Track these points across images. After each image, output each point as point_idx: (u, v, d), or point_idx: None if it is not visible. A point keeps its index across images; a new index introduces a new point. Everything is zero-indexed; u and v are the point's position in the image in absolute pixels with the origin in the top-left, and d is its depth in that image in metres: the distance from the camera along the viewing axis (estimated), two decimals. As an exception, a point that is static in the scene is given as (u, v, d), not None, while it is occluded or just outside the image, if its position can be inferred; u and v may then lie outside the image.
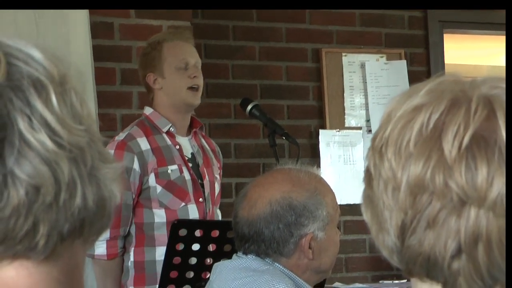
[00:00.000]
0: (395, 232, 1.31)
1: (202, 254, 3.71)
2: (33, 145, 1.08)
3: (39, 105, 1.09)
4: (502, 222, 1.26)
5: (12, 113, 1.08)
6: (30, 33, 4.73)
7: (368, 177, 1.35)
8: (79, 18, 5.02)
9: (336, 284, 5.33)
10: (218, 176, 4.35)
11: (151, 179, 4.09)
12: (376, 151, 1.33)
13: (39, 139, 1.08)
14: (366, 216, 1.36)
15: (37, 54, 1.13)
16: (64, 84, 1.13)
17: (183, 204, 4.11)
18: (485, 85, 1.31)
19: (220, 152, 4.47)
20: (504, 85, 1.31)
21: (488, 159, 1.26)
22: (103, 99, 5.07)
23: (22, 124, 1.08)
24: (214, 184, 4.29)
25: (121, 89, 5.20)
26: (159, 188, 4.09)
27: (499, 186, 1.25)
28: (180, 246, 3.67)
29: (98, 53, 5.09)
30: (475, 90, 1.31)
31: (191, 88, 4.22)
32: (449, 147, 1.26)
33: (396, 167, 1.29)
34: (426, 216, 1.28)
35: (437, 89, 1.33)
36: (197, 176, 4.20)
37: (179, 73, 4.21)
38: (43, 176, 1.08)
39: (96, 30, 5.12)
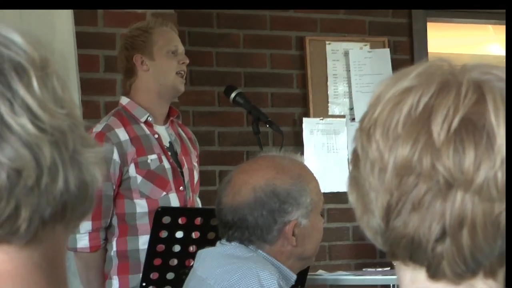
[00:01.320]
0: (380, 214, 1.31)
1: (185, 241, 3.71)
2: (14, 129, 1.07)
3: (20, 89, 1.09)
4: (488, 206, 1.26)
5: None
6: (13, 19, 4.72)
7: (355, 158, 1.35)
8: (63, 5, 5.02)
9: (320, 271, 5.35)
10: (196, 164, 4.36)
11: (131, 169, 4.08)
12: (364, 132, 1.33)
13: (20, 123, 1.08)
14: (351, 197, 1.36)
15: (18, 38, 1.13)
16: (45, 68, 1.13)
17: (164, 193, 4.11)
18: (476, 70, 1.31)
19: (196, 140, 4.47)
20: (495, 72, 1.31)
21: (476, 143, 1.25)
22: (86, 86, 5.07)
23: (3, 108, 1.08)
24: (193, 171, 4.29)
25: (104, 76, 5.20)
26: (139, 178, 4.08)
27: (485, 170, 1.25)
28: (164, 234, 3.68)
29: (82, 40, 5.09)
30: (465, 74, 1.31)
31: (179, 74, 4.22)
32: (438, 129, 1.26)
33: (384, 148, 1.29)
34: (411, 198, 1.28)
35: (427, 72, 1.32)
36: (177, 164, 4.19)
37: (169, 56, 4.22)
38: (25, 159, 1.07)
39: (80, 17, 5.11)
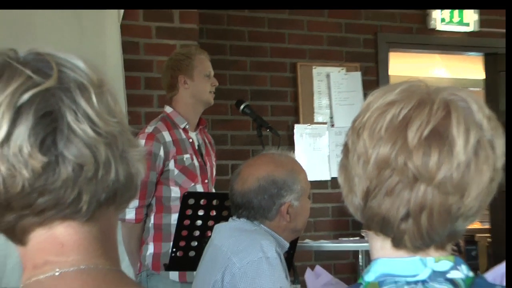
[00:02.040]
0: (361, 195, 1.31)
1: (205, 217, 3.70)
2: (78, 133, 1.08)
3: (82, 102, 1.09)
4: (444, 198, 1.26)
5: (62, 108, 1.08)
6: (75, 50, 4.71)
7: (346, 150, 1.35)
8: (114, 38, 5.01)
9: (307, 240, 5.33)
10: (214, 163, 4.35)
11: (171, 164, 4.08)
12: (355, 131, 1.33)
13: (83, 128, 1.08)
14: (340, 179, 1.36)
15: (81, 64, 1.13)
16: (101, 87, 1.13)
17: (193, 184, 4.11)
18: (446, 92, 1.31)
19: (214, 145, 4.45)
20: (460, 94, 1.31)
21: (440, 149, 1.25)
22: (131, 100, 5.06)
23: (69, 117, 1.08)
24: (212, 169, 4.29)
25: (144, 93, 5.19)
26: (176, 171, 4.08)
27: (445, 170, 1.25)
28: (189, 212, 3.67)
29: (127, 65, 5.08)
30: (438, 94, 1.30)
31: (211, 92, 4.24)
32: (412, 136, 1.26)
33: (369, 146, 1.29)
34: (386, 186, 1.28)
35: (409, 90, 1.32)
36: (203, 163, 4.20)
37: (205, 79, 4.22)
38: (86, 156, 1.08)
39: (126, 48, 5.11)
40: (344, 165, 1.34)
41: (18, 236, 1.12)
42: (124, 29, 5.09)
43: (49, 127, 1.06)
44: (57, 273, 1.11)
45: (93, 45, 4.87)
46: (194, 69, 4.21)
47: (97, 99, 1.11)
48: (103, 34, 4.95)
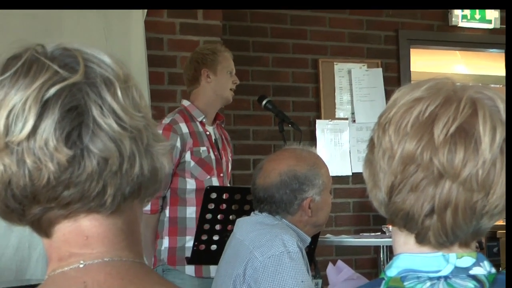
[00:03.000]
0: (385, 190, 1.30)
1: (227, 212, 3.70)
2: (103, 127, 1.08)
3: (108, 97, 1.09)
4: (469, 195, 1.26)
5: (88, 103, 1.08)
6: (100, 46, 4.73)
7: (371, 145, 1.34)
8: (138, 34, 5.03)
9: (328, 235, 5.32)
10: (230, 158, 4.34)
11: (187, 156, 4.07)
12: (381, 127, 1.32)
13: (108, 122, 1.08)
14: (365, 174, 1.36)
15: (107, 59, 1.13)
16: (127, 82, 1.13)
17: (208, 177, 4.10)
18: (472, 90, 1.31)
19: (230, 141, 4.44)
20: (486, 92, 1.31)
21: (465, 146, 1.25)
22: (154, 95, 5.07)
23: (95, 112, 1.08)
24: (228, 163, 4.28)
25: (168, 88, 5.20)
26: (192, 163, 4.07)
27: (470, 167, 1.24)
28: (211, 206, 3.66)
29: (151, 61, 5.10)
30: (464, 92, 1.30)
31: (231, 89, 4.23)
32: (438, 132, 1.25)
33: (394, 141, 1.28)
34: (411, 182, 1.27)
35: (435, 87, 1.32)
36: (219, 157, 4.19)
37: (227, 76, 4.22)
38: (111, 150, 1.08)
39: (150, 43, 5.12)
40: (369, 160, 1.34)
41: (44, 229, 1.13)
42: (149, 25, 5.10)
43: (74, 121, 1.07)
44: (81, 265, 1.11)
45: (118, 41, 4.89)
46: (218, 65, 4.21)
47: (123, 93, 1.11)
48: (127, 31, 4.96)
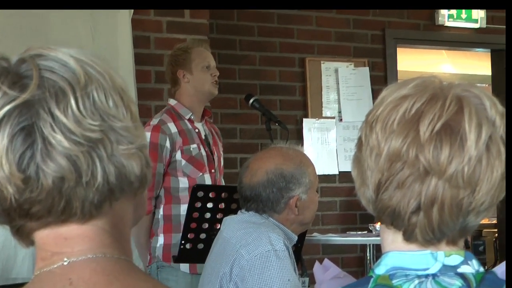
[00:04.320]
0: (373, 188, 1.30)
1: (214, 210, 3.69)
2: (54, 145, 1.07)
3: (58, 112, 1.07)
4: (455, 192, 1.26)
5: (37, 122, 1.06)
6: (87, 45, 4.73)
7: (360, 144, 1.34)
8: (125, 33, 5.02)
9: (314, 234, 5.32)
10: (222, 153, 4.34)
11: (178, 155, 4.07)
12: (368, 125, 1.32)
13: (59, 140, 1.07)
14: (353, 172, 1.36)
15: (71, 62, 1.11)
16: (88, 86, 1.10)
17: (200, 174, 4.10)
18: (459, 88, 1.31)
19: (221, 135, 4.44)
20: (473, 90, 1.31)
21: (451, 143, 1.25)
22: (141, 94, 5.06)
23: (45, 130, 1.07)
24: (220, 158, 4.28)
25: (155, 86, 5.19)
26: (183, 162, 4.07)
27: (456, 164, 1.24)
28: (198, 204, 3.66)
29: (138, 59, 5.09)
30: (451, 90, 1.30)
31: (213, 83, 4.21)
32: (424, 129, 1.25)
33: (381, 139, 1.28)
34: (397, 179, 1.27)
35: (422, 84, 1.31)
36: (210, 153, 4.18)
37: (204, 71, 4.20)
38: (64, 168, 1.07)
39: (137, 42, 5.11)
40: (358, 158, 1.34)
41: (24, 238, 1.14)
42: (135, 23, 5.09)
43: (26, 142, 1.06)
44: (65, 263, 1.11)
45: (105, 39, 4.88)
46: (192, 63, 4.20)
47: (80, 101, 1.08)
48: (114, 29, 4.95)
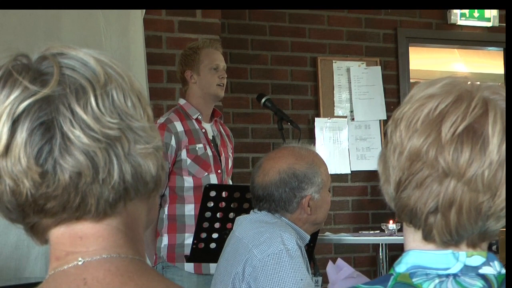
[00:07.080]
0: (393, 185, 1.30)
1: (226, 210, 3.70)
2: (73, 141, 1.07)
3: (78, 109, 1.08)
4: (474, 195, 1.25)
5: (57, 117, 1.07)
6: (99, 45, 4.74)
7: (386, 140, 1.34)
8: (137, 33, 5.02)
9: (327, 233, 5.32)
10: (231, 155, 4.33)
11: (183, 154, 4.07)
12: (394, 122, 1.32)
13: (77, 135, 1.07)
14: (379, 168, 1.36)
15: (91, 61, 1.11)
16: (107, 85, 1.11)
17: (206, 173, 4.10)
18: (488, 90, 1.30)
19: (232, 136, 4.44)
20: (502, 93, 1.30)
21: (472, 146, 1.24)
22: (153, 93, 5.07)
23: (65, 125, 1.07)
24: (228, 160, 4.27)
25: (167, 86, 5.20)
26: (189, 161, 4.08)
27: (475, 168, 1.24)
28: (210, 204, 3.66)
29: (150, 59, 5.10)
30: (478, 92, 1.29)
31: (219, 85, 4.21)
32: (446, 131, 1.25)
33: (404, 137, 1.28)
34: (416, 179, 1.27)
35: (450, 84, 1.31)
36: (217, 153, 4.19)
37: (211, 72, 4.20)
38: (82, 164, 1.08)
39: (149, 42, 5.12)
40: (384, 155, 1.34)
41: (39, 235, 1.15)
42: (147, 23, 5.10)
43: (45, 137, 1.07)
44: (80, 262, 1.12)
45: (117, 39, 4.89)
46: (200, 64, 4.21)
47: (99, 99, 1.09)
48: (126, 29, 4.96)
